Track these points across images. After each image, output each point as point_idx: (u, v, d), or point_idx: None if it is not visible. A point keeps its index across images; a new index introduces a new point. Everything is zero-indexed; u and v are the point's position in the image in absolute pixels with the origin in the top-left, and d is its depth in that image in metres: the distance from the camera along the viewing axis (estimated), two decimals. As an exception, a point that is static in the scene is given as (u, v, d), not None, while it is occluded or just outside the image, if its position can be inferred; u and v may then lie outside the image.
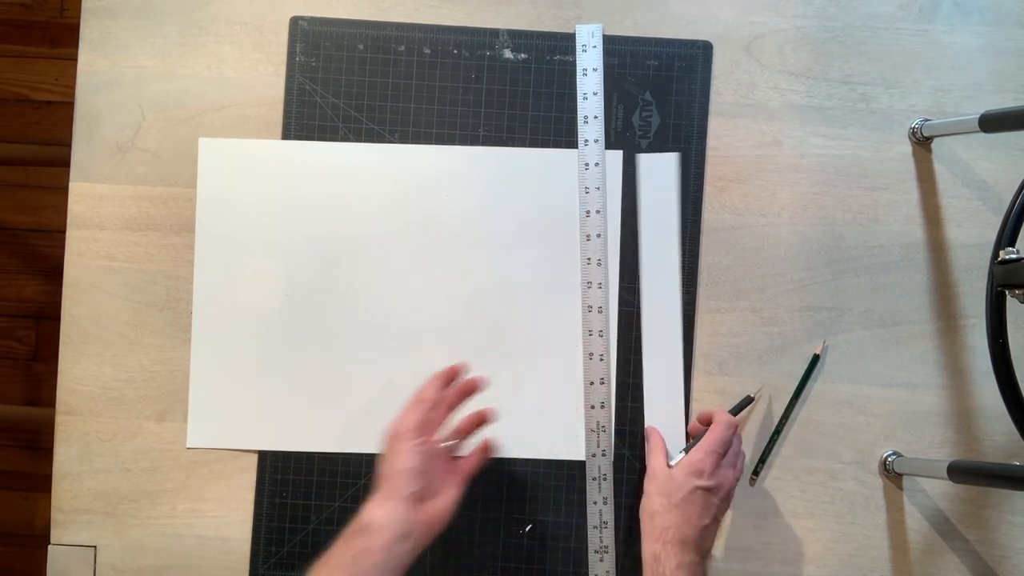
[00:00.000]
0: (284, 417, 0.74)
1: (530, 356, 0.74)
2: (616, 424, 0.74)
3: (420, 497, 0.61)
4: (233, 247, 0.74)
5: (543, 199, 0.74)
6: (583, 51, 0.74)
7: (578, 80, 0.74)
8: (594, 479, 0.73)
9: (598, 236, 0.73)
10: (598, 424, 0.73)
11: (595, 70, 0.73)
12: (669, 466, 0.69)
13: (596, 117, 0.73)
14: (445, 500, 0.63)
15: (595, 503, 0.73)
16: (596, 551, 0.73)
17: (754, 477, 0.74)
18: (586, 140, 0.73)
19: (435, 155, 0.74)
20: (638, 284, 0.74)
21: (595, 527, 0.72)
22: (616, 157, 0.74)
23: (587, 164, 0.73)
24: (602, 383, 0.73)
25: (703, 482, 0.66)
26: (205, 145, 0.74)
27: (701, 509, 0.66)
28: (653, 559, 0.65)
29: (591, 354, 0.73)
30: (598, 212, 0.73)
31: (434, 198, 0.74)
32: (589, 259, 0.73)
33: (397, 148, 0.74)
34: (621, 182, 0.74)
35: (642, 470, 0.73)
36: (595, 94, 0.73)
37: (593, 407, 0.73)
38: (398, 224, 0.74)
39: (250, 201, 0.74)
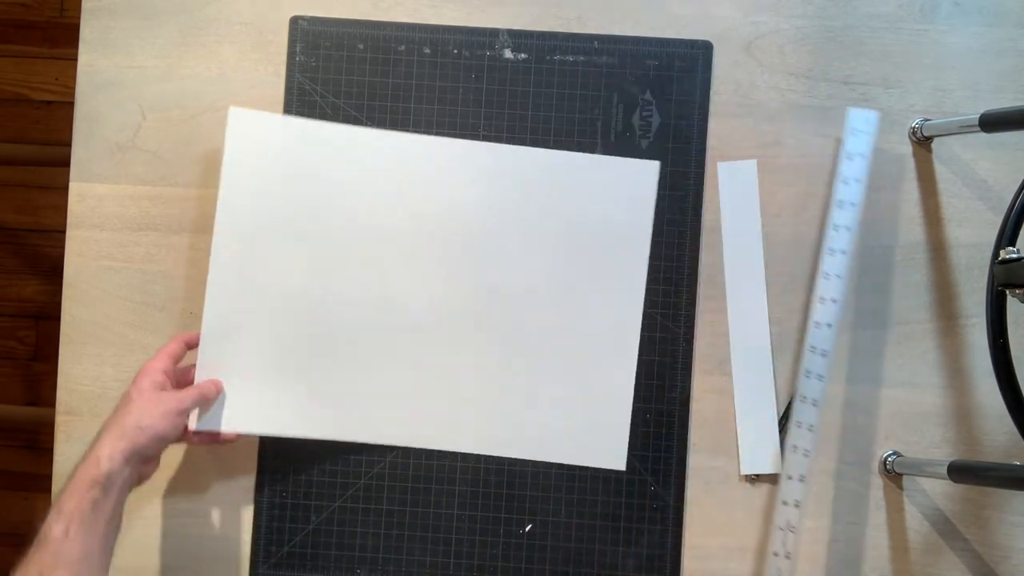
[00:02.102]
0: (293, 404, 0.73)
1: (543, 357, 0.74)
2: (616, 424, 0.74)
3: (148, 460, 0.65)
4: (255, 224, 0.72)
5: (574, 202, 0.74)
6: (852, 135, 0.72)
7: (841, 163, 0.72)
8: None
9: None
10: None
11: (862, 156, 0.71)
12: None
13: (853, 204, 0.70)
14: (155, 467, 0.67)
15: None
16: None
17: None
18: (836, 225, 0.71)
19: (471, 152, 0.74)
20: (723, 294, 0.74)
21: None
22: (652, 168, 0.74)
23: (832, 250, 0.71)
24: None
25: None
26: (234, 115, 0.71)
27: None
28: None
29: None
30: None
31: (467, 194, 0.73)
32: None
33: (436, 140, 0.74)
34: (655, 194, 0.74)
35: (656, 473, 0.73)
36: (857, 180, 0.70)
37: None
38: (426, 217, 0.73)
39: (276, 178, 0.72)
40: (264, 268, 0.72)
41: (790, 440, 0.72)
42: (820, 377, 0.71)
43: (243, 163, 0.71)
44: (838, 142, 0.74)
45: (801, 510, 0.72)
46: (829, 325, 0.71)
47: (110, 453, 0.61)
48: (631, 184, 0.74)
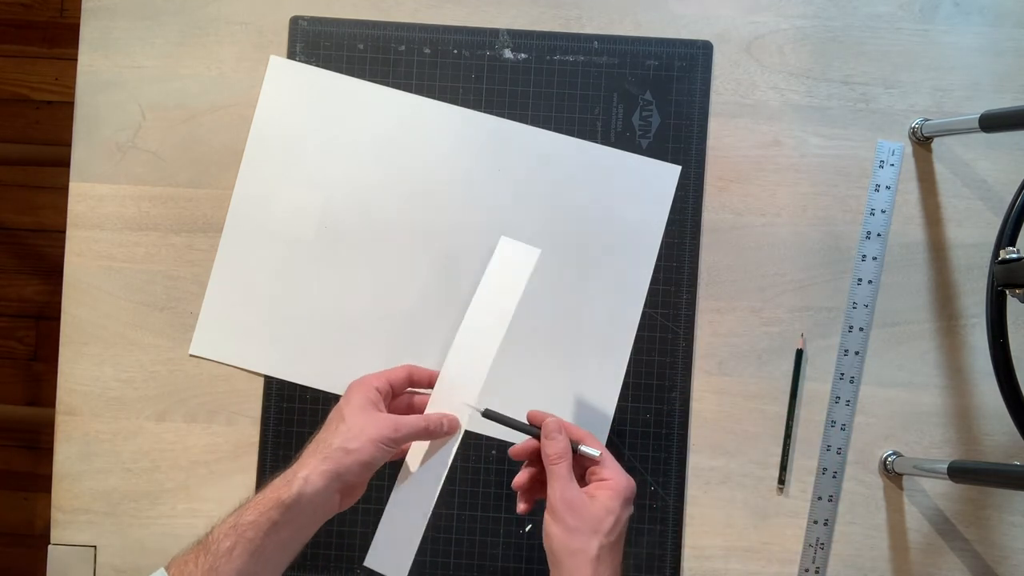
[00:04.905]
0: (291, 348, 0.74)
1: (538, 344, 0.74)
2: (616, 424, 0.74)
3: (354, 487, 0.58)
4: (279, 171, 0.74)
5: (591, 193, 0.74)
6: (880, 167, 0.74)
7: (869, 194, 0.74)
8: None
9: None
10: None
11: (887, 188, 0.73)
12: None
13: (879, 235, 0.73)
14: (361, 491, 0.61)
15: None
16: None
17: (781, 487, 0.74)
18: (864, 256, 0.73)
19: (496, 127, 0.74)
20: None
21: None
22: (673, 172, 0.74)
23: (859, 279, 0.74)
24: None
25: (630, 509, 0.58)
26: (275, 63, 0.75)
27: (623, 540, 0.57)
28: None
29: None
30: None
31: (493, 172, 0.74)
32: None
33: (472, 114, 0.75)
34: (672, 197, 0.74)
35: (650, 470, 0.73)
36: (883, 211, 0.73)
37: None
38: (448, 186, 0.74)
39: (306, 130, 0.74)
40: (282, 211, 0.74)
41: (821, 462, 0.73)
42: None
43: (275, 107, 0.74)
44: (838, 143, 0.75)
45: (830, 528, 0.73)
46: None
47: (307, 474, 0.54)
48: (650, 185, 0.74)
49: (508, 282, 0.65)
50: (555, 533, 0.56)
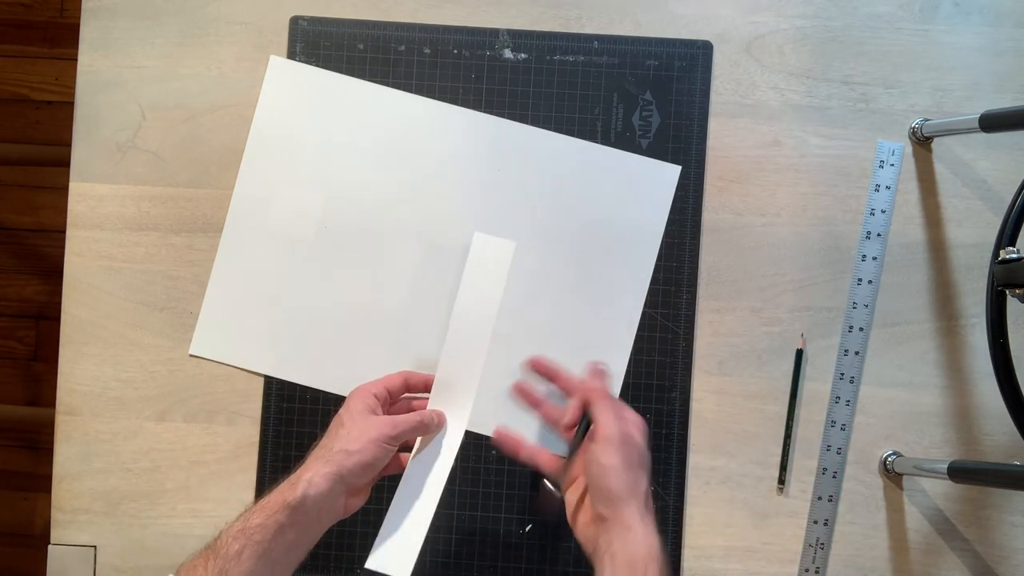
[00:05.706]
0: (291, 348, 0.74)
1: (539, 344, 0.74)
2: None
3: (358, 489, 0.60)
4: (279, 171, 0.74)
5: (591, 193, 0.74)
6: (880, 167, 0.73)
7: (869, 194, 0.74)
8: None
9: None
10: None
11: (888, 188, 0.73)
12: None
13: (879, 235, 0.73)
14: (366, 495, 0.62)
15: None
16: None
17: (781, 487, 0.74)
18: (864, 256, 0.73)
19: (496, 128, 0.74)
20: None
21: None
22: (673, 172, 0.74)
23: (859, 279, 0.74)
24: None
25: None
26: (275, 63, 0.75)
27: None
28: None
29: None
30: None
31: (493, 172, 0.74)
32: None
33: (472, 114, 0.75)
34: (672, 197, 0.74)
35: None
36: (883, 211, 0.73)
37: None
38: (448, 187, 0.74)
39: (306, 130, 0.74)
40: (282, 212, 0.74)
41: (821, 462, 0.73)
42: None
43: (275, 107, 0.74)
44: (838, 143, 0.75)
45: (830, 528, 0.73)
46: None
47: (311, 477, 0.56)
48: (650, 185, 0.74)
49: (488, 279, 0.67)
50: (613, 464, 0.57)
